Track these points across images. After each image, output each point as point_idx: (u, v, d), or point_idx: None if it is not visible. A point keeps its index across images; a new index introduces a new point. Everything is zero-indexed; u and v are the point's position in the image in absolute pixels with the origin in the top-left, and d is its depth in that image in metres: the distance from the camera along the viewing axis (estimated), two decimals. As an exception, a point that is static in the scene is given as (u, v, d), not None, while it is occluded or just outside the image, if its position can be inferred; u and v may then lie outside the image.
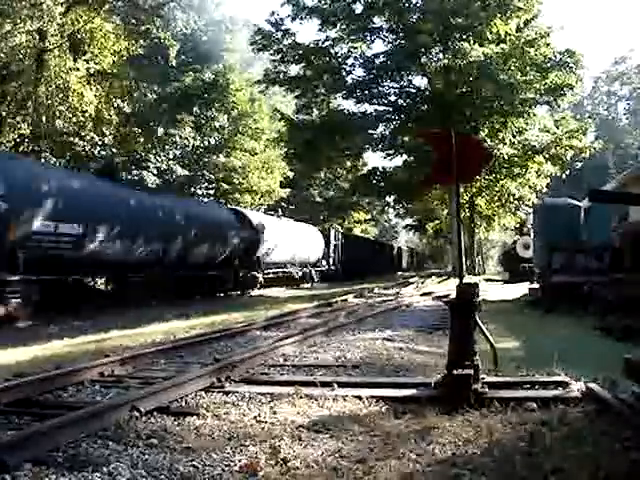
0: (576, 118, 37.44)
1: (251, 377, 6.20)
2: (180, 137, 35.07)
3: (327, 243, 34.51)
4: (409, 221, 66.21)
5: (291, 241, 28.28)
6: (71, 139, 24.70)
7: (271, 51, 32.32)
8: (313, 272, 32.40)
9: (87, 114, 23.30)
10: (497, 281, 34.09)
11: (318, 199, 56.91)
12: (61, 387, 5.73)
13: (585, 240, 16.05)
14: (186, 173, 36.28)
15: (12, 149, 22.78)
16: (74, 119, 23.21)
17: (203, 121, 36.33)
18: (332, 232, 36.71)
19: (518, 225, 41.25)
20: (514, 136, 31.88)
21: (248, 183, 37.23)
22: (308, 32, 40.20)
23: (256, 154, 37.86)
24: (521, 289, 20.22)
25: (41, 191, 13.19)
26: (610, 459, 3.48)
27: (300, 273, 30.28)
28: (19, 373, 6.26)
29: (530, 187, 34.30)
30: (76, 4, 23.59)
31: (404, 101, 34.07)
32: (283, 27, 31.89)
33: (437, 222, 52.67)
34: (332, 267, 35.77)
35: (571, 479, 3.26)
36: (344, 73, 33.21)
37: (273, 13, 31.85)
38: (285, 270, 28.35)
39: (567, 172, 35.26)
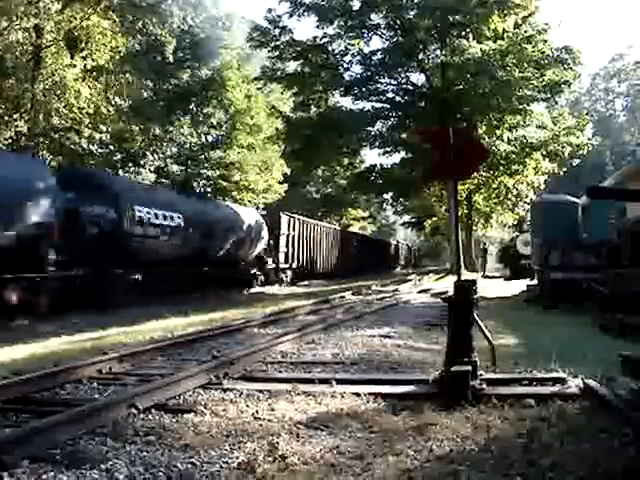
0: (574, 115, 37.42)
1: (249, 374, 6.20)
2: (177, 134, 35.01)
3: (276, 235, 26.35)
4: (407, 218, 66.15)
5: (201, 227, 19.22)
6: (68, 136, 24.62)
7: (268, 48, 32.25)
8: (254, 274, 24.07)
9: (84, 111, 23.25)
10: (495, 277, 34.15)
11: (316, 196, 56.90)
12: (59, 384, 5.73)
13: (583, 237, 16.07)
14: (183, 170, 36.22)
15: (9, 146, 22.72)
16: (71, 116, 23.15)
17: (200, 118, 36.26)
18: (284, 219, 28.04)
19: (516, 222, 41.29)
20: (511, 132, 31.87)
21: (246, 180, 37.13)
22: (306, 29, 40.28)
23: (253, 149, 37.73)
24: (520, 286, 20.22)
25: None
26: (608, 455, 3.48)
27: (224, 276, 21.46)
28: (17, 371, 6.25)
29: (528, 184, 34.32)
30: (73, 1, 23.52)
31: (402, 98, 34.01)
32: (280, 24, 31.83)
33: (435, 219, 52.66)
34: (284, 266, 27.68)
35: (569, 475, 3.26)
36: (342, 70, 33.13)
37: (270, 10, 31.84)
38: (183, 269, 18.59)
39: (565, 169, 35.29)
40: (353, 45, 32.47)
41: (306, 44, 32.10)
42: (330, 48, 32.61)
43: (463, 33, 29.63)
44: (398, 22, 31.24)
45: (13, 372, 6.15)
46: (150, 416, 4.61)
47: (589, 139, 34.99)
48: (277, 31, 31.84)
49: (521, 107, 29.73)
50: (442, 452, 3.75)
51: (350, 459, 3.65)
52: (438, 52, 31.86)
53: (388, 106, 33.86)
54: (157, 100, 33.15)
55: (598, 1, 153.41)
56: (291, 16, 31.46)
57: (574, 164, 37.88)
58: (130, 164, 32.94)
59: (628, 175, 19.35)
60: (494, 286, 23.90)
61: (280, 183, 40.41)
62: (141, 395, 4.83)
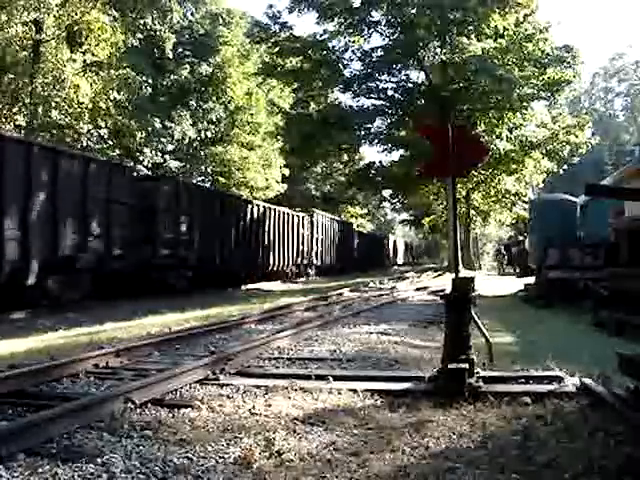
0: (574, 115, 37.40)
1: (246, 370, 6.20)
2: (177, 130, 34.92)
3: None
4: (405, 216, 66.18)
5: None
6: (67, 131, 24.56)
7: (268, 44, 32.20)
8: None
9: (83, 105, 23.20)
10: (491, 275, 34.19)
11: (315, 193, 56.85)
12: (55, 379, 5.71)
13: (581, 236, 16.09)
14: (181, 166, 36.15)
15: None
16: (70, 110, 23.09)
17: (200, 114, 36.19)
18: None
19: (514, 221, 41.33)
20: (511, 131, 31.84)
21: (245, 177, 37.08)
22: (306, 25, 40.26)
23: (253, 149, 37.69)
24: (517, 284, 20.20)
25: None
26: (603, 453, 3.48)
27: None
28: (14, 365, 6.24)
29: (526, 183, 34.34)
30: (73, -4, 23.46)
31: (401, 95, 33.93)
32: (280, 20, 31.80)
33: (433, 217, 52.70)
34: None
35: (565, 473, 3.26)
36: (341, 67, 33.07)
37: (271, 6, 31.82)
38: None
39: (564, 168, 35.28)
40: (353, 42, 32.41)
41: (306, 40, 32.05)
42: (330, 45, 32.52)
43: (464, 31, 29.58)
44: (398, 19, 31.15)
45: (10, 366, 6.14)
46: (147, 411, 4.61)
47: (588, 138, 34.97)
48: (277, 27, 31.79)
49: (521, 106, 29.72)
50: (438, 449, 3.75)
51: (346, 455, 3.65)
52: (438, 50, 31.75)
53: (388, 103, 33.78)
54: (156, 95, 33.07)
55: (598, 0, 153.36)
56: (291, 12, 31.38)
57: (573, 163, 37.81)
58: (128, 159, 32.87)
59: (628, 175, 19.35)
60: (495, 284, 23.87)
61: (279, 182, 40.38)
62: (138, 390, 4.82)
